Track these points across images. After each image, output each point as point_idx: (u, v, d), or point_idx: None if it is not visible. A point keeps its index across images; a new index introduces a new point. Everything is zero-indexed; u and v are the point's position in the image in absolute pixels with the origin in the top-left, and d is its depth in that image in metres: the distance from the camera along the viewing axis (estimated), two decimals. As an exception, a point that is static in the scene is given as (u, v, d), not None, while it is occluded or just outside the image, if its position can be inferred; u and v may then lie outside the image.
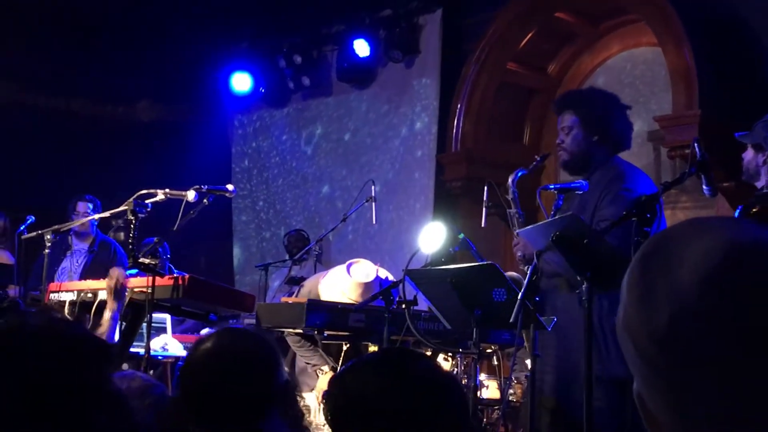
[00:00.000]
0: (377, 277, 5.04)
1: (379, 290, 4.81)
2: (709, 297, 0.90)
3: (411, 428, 1.56)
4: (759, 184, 3.87)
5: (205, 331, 7.07)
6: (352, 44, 8.51)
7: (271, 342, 2.17)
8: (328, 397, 1.63)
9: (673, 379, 0.92)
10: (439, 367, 1.76)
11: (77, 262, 7.06)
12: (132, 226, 4.53)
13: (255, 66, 9.38)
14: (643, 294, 0.95)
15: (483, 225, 4.82)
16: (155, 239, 4.78)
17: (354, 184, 8.56)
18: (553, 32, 7.94)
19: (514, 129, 8.27)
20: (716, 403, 0.90)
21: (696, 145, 3.39)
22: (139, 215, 4.55)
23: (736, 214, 3.38)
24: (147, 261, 4.38)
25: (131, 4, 8.96)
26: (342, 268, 5.11)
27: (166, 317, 6.27)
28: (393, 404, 1.56)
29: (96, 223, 6.89)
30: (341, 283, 5.07)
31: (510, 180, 4.42)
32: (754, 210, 3.32)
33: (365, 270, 5.11)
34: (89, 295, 4.67)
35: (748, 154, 3.93)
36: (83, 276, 6.82)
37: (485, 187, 4.84)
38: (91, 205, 7.01)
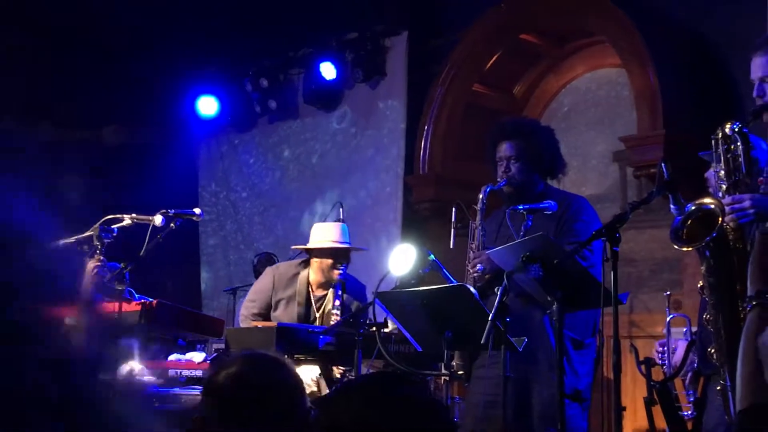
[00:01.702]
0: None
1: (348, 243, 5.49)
2: None
3: None
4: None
5: (190, 356, 6.99)
6: (319, 67, 8.52)
7: (294, 370, 2.16)
8: (314, 422, 1.62)
9: None
10: (424, 391, 1.75)
11: None
12: (98, 251, 4.49)
13: (221, 90, 9.36)
14: None
15: (452, 246, 4.83)
16: (121, 265, 4.74)
17: (322, 206, 8.55)
18: (519, 54, 7.99)
19: (482, 150, 8.28)
20: None
21: (662, 165, 3.42)
22: (105, 241, 4.51)
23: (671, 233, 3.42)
24: (114, 287, 4.34)
25: (97, 28, 8.91)
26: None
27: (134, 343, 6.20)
28: (377, 428, 1.55)
29: None
30: (318, 231, 5.52)
31: (481, 192, 4.48)
32: (683, 232, 3.36)
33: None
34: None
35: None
36: None
37: (453, 208, 4.86)
38: None
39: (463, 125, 8.09)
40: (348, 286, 5.52)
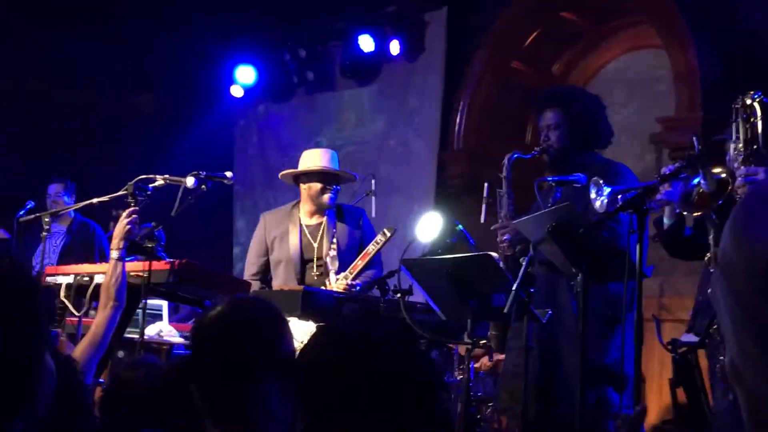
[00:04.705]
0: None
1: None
2: None
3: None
4: None
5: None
6: (357, 39, 8.51)
7: (278, 310, 2.17)
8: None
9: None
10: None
11: (55, 243, 7.07)
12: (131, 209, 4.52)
13: (259, 59, 9.38)
14: (746, 225, 0.88)
15: (483, 221, 4.83)
16: (152, 224, 4.78)
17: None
18: (558, 32, 7.94)
19: (517, 128, 8.27)
20: None
21: (694, 139, 3.39)
22: (139, 198, 4.53)
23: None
24: (144, 245, 4.37)
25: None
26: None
27: (163, 304, 6.27)
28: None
29: (73, 204, 6.86)
30: (307, 157, 5.47)
31: (506, 159, 4.45)
32: (694, 199, 3.36)
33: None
34: (86, 278, 4.65)
35: None
36: (61, 257, 6.84)
37: (486, 185, 4.85)
38: (61, 185, 7.07)
39: (500, 102, 8.07)
40: (345, 212, 5.48)
